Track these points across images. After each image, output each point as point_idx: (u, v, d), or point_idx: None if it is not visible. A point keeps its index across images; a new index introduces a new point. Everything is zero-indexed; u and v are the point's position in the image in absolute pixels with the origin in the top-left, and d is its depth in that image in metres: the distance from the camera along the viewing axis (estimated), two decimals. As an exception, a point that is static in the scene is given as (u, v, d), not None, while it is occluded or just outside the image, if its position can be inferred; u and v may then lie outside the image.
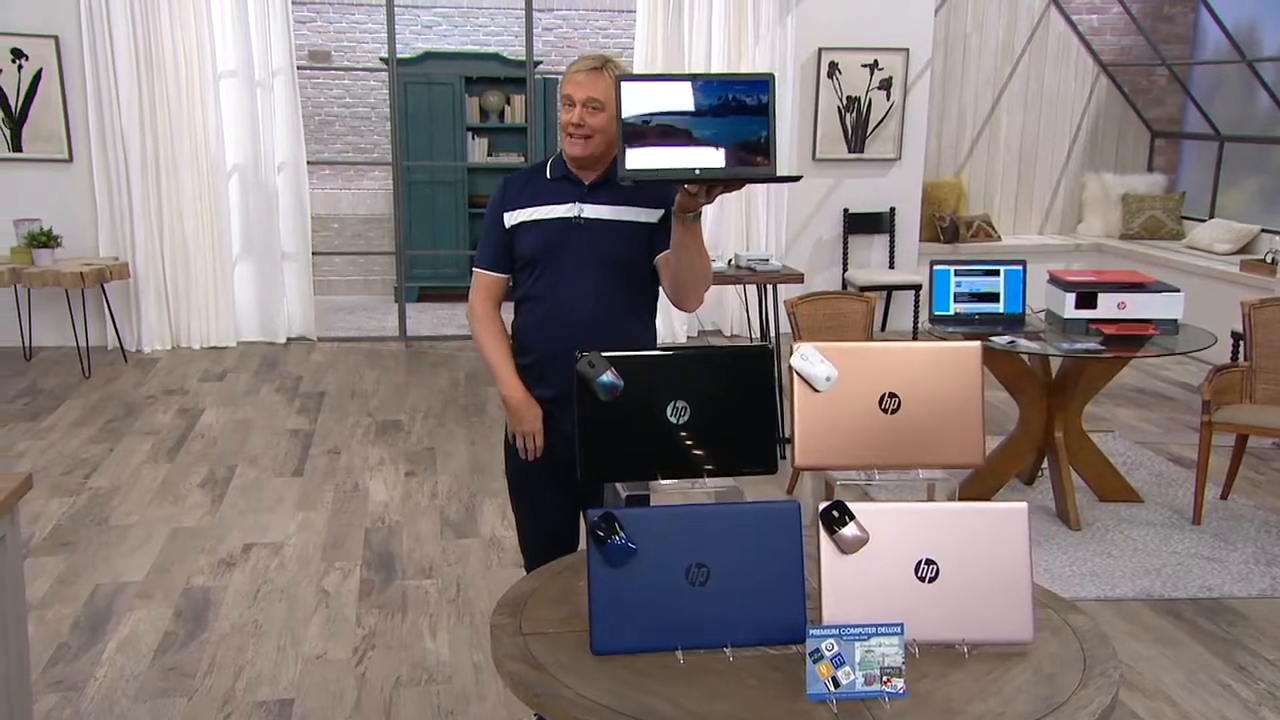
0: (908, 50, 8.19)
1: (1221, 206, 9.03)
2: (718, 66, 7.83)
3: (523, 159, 9.36)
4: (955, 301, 4.84)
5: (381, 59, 9.08)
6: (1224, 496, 5.10)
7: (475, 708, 3.35)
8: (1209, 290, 7.50)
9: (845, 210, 8.39)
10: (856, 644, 1.78)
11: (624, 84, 2.20)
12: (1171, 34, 9.64)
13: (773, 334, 6.09)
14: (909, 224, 8.56)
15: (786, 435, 4.83)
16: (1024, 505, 2.01)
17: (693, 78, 2.21)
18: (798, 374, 2.23)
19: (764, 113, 2.20)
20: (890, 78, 8.20)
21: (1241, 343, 5.35)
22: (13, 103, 7.27)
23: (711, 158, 2.19)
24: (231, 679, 3.47)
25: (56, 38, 7.22)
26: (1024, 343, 4.55)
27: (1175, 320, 4.71)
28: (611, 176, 2.63)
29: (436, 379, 7.10)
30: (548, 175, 2.77)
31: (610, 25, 10.19)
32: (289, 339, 7.91)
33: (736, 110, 2.19)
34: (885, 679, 1.78)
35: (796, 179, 2.44)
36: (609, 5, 10.07)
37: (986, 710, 1.78)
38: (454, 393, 6.78)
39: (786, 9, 7.89)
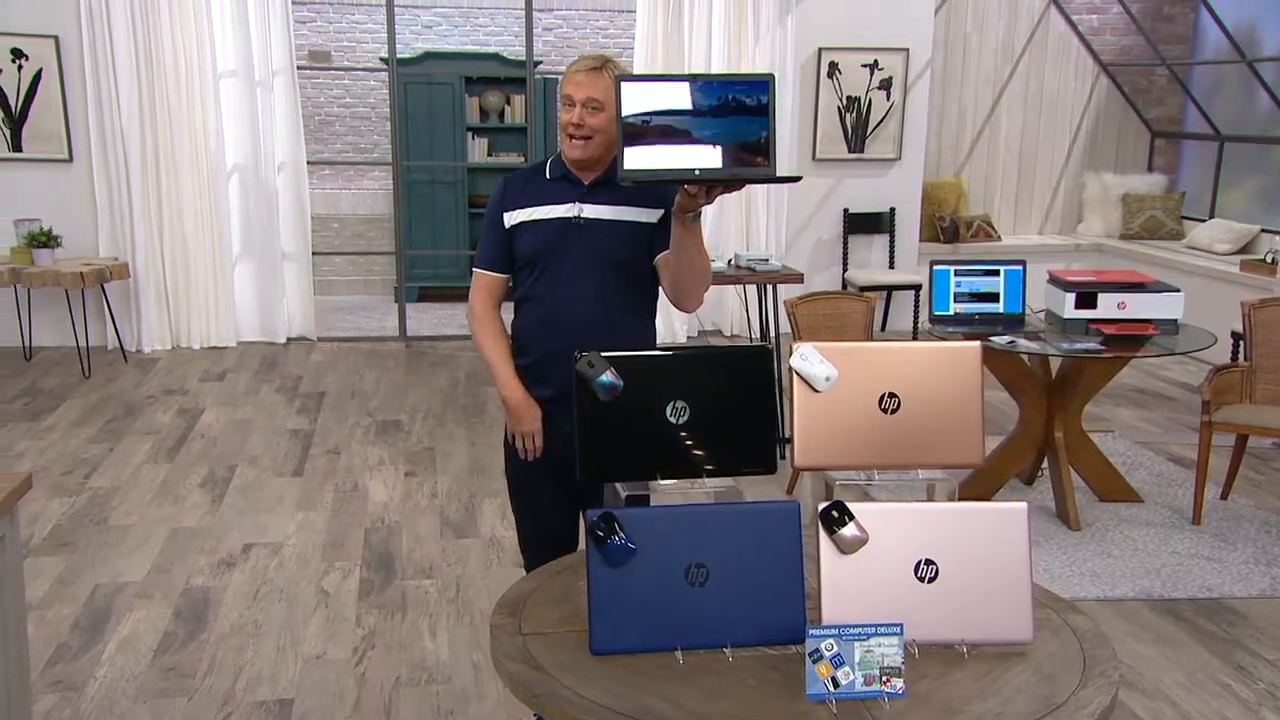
0: (908, 50, 8.19)
1: (1221, 206, 9.02)
2: (718, 66, 7.83)
3: (523, 159, 9.35)
4: (955, 301, 4.84)
5: (381, 59, 9.08)
6: (1224, 496, 5.10)
7: (475, 708, 3.35)
8: (1209, 290, 7.50)
9: (845, 210, 8.38)
10: (856, 644, 1.78)
11: (624, 84, 2.19)
12: (1171, 34, 9.64)
13: (772, 334, 6.09)
14: (909, 224, 8.56)
15: (786, 435, 4.83)
16: (1024, 505, 2.01)
17: (692, 78, 2.21)
18: (797, 374, 2.23)
19: (764, 113, 2.19)
20: (890, 78, 8.20)
21: (1241, 343, 5.35)
22: (13, 103, 7.27)
23: (711, 158, 2.19)
24: (231, 679, 3.47)
25: (56, 38, 7.22)
26: (1024, 343, 4.55)
27: (1175, 320, 4.71)
28: (611, 176, 2.62)
29: (436, 379, 7.10)
30: (547, 175, 2.77)
31: (610, 25, 10.18)
32: (289, 339, 7.91)
33: (736, 110, 2.19)
34: (885, 679, 1.78)
35: (796, 179, 2.44)
36: (609, 5, 10.07)
37: (986, 710, 1.78)
38: (454, 393, 6.78)
39: (786, 9, 7.89)
